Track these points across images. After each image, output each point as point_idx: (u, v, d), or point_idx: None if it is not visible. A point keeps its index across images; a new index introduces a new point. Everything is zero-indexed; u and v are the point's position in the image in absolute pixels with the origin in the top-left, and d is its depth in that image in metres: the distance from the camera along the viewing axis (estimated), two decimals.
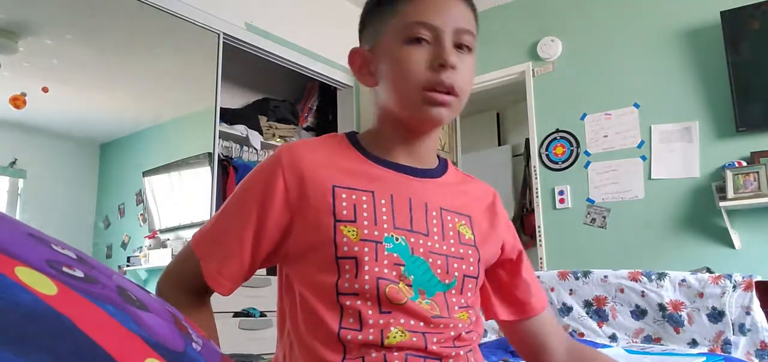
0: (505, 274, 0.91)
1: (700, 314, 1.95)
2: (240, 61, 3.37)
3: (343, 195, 0.76)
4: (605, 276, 2.16)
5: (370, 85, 0.85)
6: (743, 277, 1.96)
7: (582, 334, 2.15)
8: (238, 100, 3.82)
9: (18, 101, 2.26)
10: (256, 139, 3.60)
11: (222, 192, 3.21)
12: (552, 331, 0.93)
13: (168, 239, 2.81)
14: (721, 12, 2.92)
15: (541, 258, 3.50)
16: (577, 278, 2.22)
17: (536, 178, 3.58)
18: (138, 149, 2.82)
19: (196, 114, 2.99)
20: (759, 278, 1.96)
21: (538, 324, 0.91)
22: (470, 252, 0.81)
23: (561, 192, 3.46)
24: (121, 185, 2.75)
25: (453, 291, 0.78)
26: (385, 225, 0.75)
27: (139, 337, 0.42)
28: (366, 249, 0.73)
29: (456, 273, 0.78)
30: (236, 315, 2.80)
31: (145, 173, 2.79)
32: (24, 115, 2.30)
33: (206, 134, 2.90)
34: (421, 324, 0.73)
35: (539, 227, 3.53)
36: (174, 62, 2.96)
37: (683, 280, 2.02)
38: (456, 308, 0.77)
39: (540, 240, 3.52)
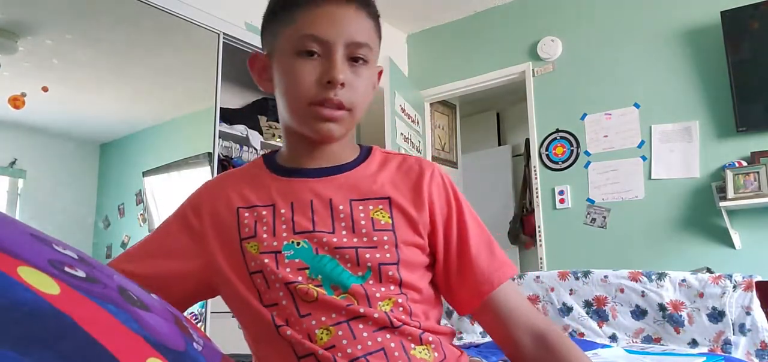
0: (441, 267, 0.82)
1: (700, 314, 1.95)
2: (240, 61, 3.37)
3: (246, 215, 0.79)
4: (605, 276, 2.16)
5: (269, 91, 0.85)
6: (743, 277, 1.96)
7: (582, 334, 2.15)
8: (238, 100, 3.81)
9: (18, 101, 2.26)
10: (256, 138, 3.60)
11: None
12: (512, 310, 0.80)
13: None
14: (721, 12, 2.92)
15: (541, 259, 3.50)
16: (577, 278, 2.22)
17: (536, 178, 3.58)
18: (138, 149, 2.82)
19: (196, 114, 2.99)
20: (759, 278, 1.96)
21: (493, 304, 0.80)
22: (386, 237, 0.77)
23: (561, 192, 3.46)
24: (121, 185, 2.74)
25: (371, 282, 0.75)
26: (284, 234, 0.76)
27: (140, 337, 0.42)
28: (266, 260, 0.75)
29: (369, 264, 0.75)
30: None
31: (145, 173, 2.79)
32: (24, 115, 2.30)
33: (206, 134, 2.90)
34: (343, 313, 0.72)
35: (539, 227, 3.53)
36: (174, 62, 2.96)
37: (683, 280, 2.02)
38: (377, 295, 0.74)
39: (540, 241, 3.52)
